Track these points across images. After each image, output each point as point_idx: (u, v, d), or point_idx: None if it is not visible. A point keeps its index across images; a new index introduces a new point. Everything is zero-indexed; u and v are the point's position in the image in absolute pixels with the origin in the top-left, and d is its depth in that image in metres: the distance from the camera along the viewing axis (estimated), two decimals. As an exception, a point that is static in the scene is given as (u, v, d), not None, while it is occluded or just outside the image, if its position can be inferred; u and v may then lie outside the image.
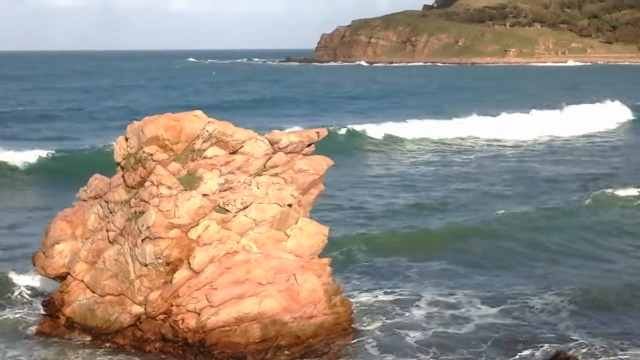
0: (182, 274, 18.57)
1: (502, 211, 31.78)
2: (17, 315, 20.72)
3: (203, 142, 19.73)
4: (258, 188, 19.61)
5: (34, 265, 21.04)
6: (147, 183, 19.10)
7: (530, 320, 20.55)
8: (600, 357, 17.92)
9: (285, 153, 20.41)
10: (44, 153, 44.48)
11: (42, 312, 20.26)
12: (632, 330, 19.79)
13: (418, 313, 21.03)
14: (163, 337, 18.46)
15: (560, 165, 47.24)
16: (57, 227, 20.72)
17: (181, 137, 19.66)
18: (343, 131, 57.71)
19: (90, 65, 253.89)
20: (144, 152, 19.53)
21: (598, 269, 25.35)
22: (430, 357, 18.29)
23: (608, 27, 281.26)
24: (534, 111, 71.70)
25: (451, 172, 44.37)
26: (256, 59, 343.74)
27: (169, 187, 18.77)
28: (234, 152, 19.94)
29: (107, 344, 18.78)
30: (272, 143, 20.28)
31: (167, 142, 19.57)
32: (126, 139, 20.30)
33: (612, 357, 17.92)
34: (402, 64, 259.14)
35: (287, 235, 19.69)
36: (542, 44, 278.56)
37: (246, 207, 19.30)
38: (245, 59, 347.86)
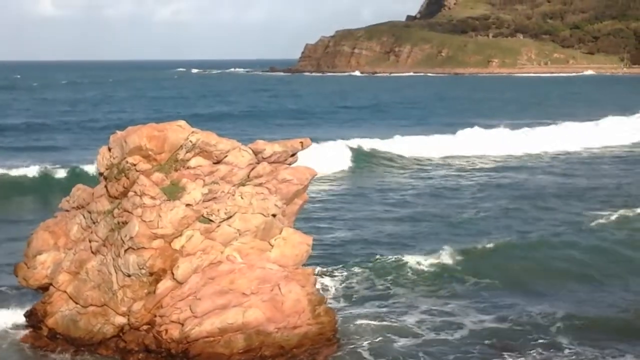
0: (165, 284, 18.51)
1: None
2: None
3: (186, 152, 19.71)
4: (242, 198, 19.60)
5: (16, 276, 20.85)
6: (131, 193, 19.05)
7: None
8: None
9: (269, 163, 20.44)
10: (27, 165, 43.89)
11: (25, 323, 20.07)
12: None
13: (410, 320, 21.03)
14: (146, 348, 18.37)
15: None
16: (40, 238, 20.58)
17: (164, 147, 19.63)
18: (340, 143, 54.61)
19: (74, 76, 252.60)
20: (127, 162, 19.49)
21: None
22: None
23: (590, 37, 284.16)
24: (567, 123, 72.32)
25: (457, 186, 43.38)
26: (240, 69, 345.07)
27: (153, 197, 18.72)
28: (217, 162, 19.94)
29: (90, 356, 18.65)
30: (255, 153, 20.31)
31: (150, 152, 19.53)
32: (109, 149, 20.23)
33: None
34: (385, 74, 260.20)
35: (271, 245, 19.69)
36: (525, 54, 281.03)
37: (230, 217, 19.28)
38: (233, 69, 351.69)
